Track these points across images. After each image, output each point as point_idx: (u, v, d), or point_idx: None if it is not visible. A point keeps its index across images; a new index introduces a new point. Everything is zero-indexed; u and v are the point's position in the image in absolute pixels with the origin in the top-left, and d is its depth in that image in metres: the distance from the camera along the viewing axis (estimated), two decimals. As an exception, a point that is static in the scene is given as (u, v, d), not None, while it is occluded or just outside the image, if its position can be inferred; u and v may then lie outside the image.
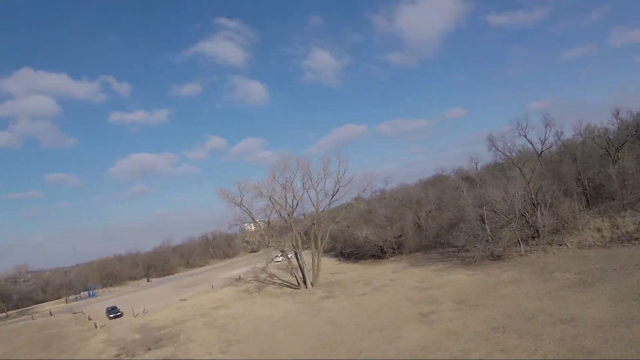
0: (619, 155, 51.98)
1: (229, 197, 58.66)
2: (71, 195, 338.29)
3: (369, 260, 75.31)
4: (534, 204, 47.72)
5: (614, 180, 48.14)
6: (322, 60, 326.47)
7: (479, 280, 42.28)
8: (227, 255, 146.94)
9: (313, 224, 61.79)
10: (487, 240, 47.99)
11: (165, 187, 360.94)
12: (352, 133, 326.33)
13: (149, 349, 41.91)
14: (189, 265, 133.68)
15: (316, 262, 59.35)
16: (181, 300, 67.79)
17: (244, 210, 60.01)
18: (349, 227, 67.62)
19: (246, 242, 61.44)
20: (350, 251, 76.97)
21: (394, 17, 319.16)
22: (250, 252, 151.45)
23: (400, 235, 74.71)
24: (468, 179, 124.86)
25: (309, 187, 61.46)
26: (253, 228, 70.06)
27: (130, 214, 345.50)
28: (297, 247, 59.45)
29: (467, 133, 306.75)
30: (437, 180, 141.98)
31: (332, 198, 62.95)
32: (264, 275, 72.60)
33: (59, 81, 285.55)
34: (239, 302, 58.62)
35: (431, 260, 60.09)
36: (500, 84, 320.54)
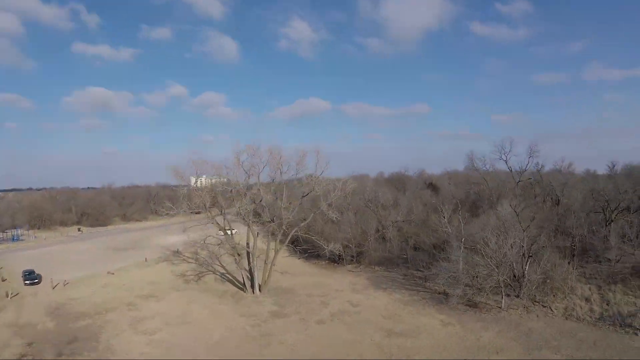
0: (614, 217, 48.84)
1: (183, 177, 49.58)
2: (20, 117, 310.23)
3: (324, 262, 69.57)
4: (524, 255, 43.33)
5: (609, 244, 44.73)
6: (300, 31, 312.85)
7: (456, 335, 37.23)
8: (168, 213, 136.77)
9: (272, 220, 54.18)
10: (467, 285, 43.21)
11: (119, 127, 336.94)
12: (316, 107, 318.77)
13: (60, 354, 33.71)
14: (126, 218, 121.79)
15: (269, 266, 52.14)
16: (109, 273, 58.85)
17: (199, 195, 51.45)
18: (312, 236, 60.56)
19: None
20: (305, 248, 70.57)
21: (379, 3, 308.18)
22: (193, 213, 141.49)
23: (362, 243, 69.12)
24: (432, 186, 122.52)
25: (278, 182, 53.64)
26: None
27: (79, 146, 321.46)
28: (252, 245, 51.97)
29: (430, 130, 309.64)
30: (400, 180, 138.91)
31: (302, 199, 55.36)
32: (204, 253, 64.61)
33: (27, 1, 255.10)
34: (173, 293, 50.76)
35: (395, 283, 55.07)
36: (469, 90, 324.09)
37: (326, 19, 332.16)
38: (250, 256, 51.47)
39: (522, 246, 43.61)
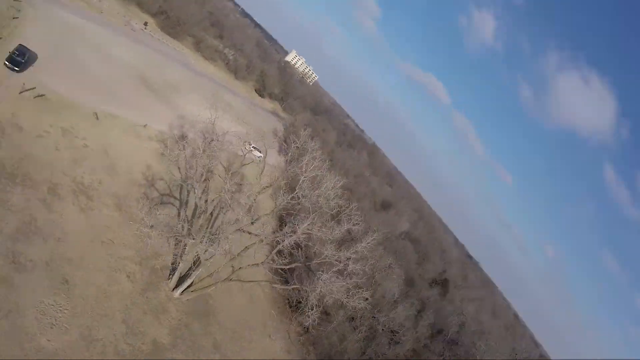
0: None
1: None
2: None
3: (281, 291, 56.32)
4: None
5: None
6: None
7: None
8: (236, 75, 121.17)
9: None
10: None
11: None
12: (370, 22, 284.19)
13: None
14: (198, 47, 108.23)
15: (210, 287, 40.33)
16: (95, 114, 49.00)
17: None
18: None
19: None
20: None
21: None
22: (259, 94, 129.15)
23: (328, 313, 55.94)
24: (443, 284, 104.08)
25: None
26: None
27: None
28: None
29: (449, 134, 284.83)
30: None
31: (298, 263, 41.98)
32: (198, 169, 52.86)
33: None
34: (111, 212, 40.32)
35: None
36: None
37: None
38: (200, 262, 39.51)
39: None
